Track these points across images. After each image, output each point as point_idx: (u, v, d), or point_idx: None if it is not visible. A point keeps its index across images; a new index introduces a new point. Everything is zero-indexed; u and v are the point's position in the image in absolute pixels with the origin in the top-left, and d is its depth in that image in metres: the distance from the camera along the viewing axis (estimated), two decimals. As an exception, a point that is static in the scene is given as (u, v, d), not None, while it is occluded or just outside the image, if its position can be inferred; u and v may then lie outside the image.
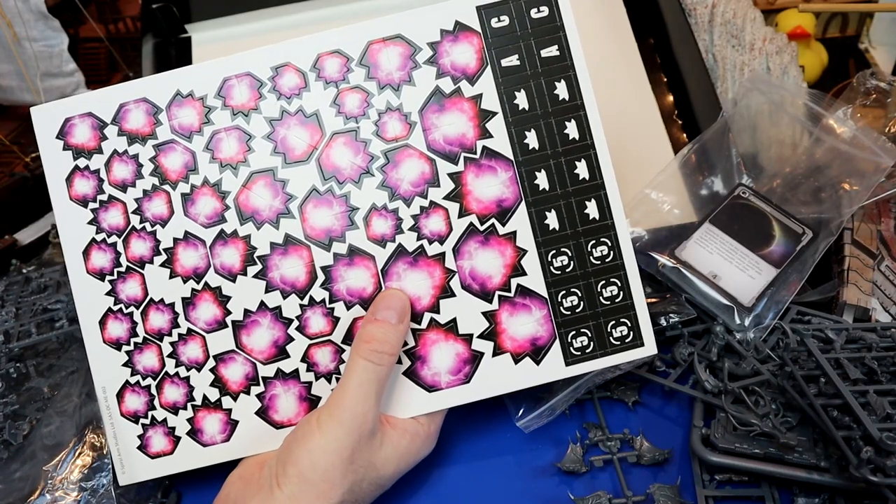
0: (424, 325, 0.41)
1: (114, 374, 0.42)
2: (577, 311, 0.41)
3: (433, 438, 0.41)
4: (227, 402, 0.42)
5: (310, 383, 0.41)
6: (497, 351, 0.41)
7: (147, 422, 0.42)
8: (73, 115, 0.42)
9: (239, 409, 0.42)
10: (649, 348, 0.41)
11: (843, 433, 0.35)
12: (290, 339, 0.41)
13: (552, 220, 0.41)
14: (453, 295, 0.41)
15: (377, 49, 0.41)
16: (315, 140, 0.41)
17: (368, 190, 0.41)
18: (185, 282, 0.42)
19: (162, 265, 0.42)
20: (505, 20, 0.41)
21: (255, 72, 0.41)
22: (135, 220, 0.42)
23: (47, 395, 0.48)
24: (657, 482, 0.40)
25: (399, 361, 0.41)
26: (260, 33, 0.63)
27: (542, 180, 0.41)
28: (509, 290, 0.41)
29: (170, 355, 0.42)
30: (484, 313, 0.41)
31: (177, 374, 0.42)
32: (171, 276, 0.42)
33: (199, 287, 0.42)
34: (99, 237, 0.42)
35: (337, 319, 0.41)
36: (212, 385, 0.42)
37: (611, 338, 0.41)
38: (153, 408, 0.42)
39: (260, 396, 0.41)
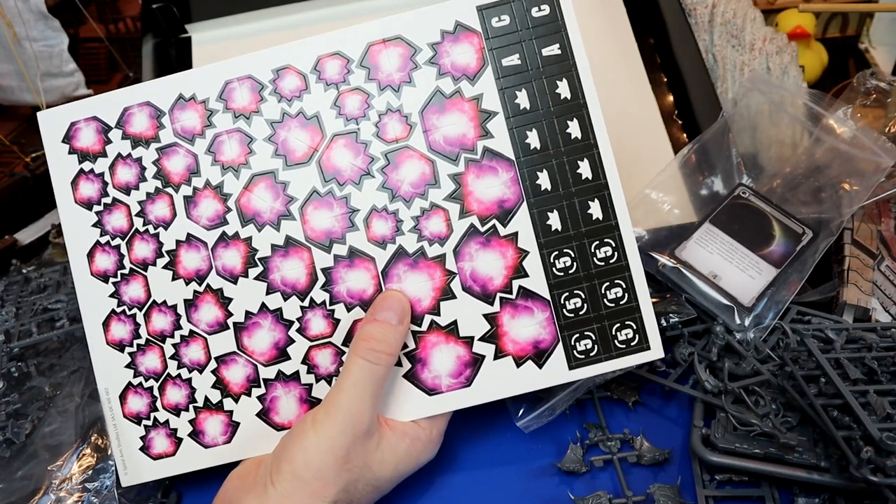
0: (425, 327, 0.41)
1: (117, 375, 0.43)
2: (581, 313, 0.40)
3: (435, 443, 0.41)
4: (228, 403, 0.42)
5: (310, 385, 0.41)
6: (499, 354, 0.40)
7: (149, 423, 0.42)
8: (79, 119, 0.43)
9: (240, 411, 0.42)
10: (655, 352, 0.40)
11: (843, 433, 0.35)
12: (291, 341, 0.41)
13: (554, 220, 0.40)
14: (454, 297, 0.40)
15: (377, 50, 0.41)
16: (316, 142, 0.41)
17: (369, 191, 0.41)
18: (187, 283, 0.42)
19: (164, 267, 0.42)
20: (506, 19, 0.40)
21: (256, 74, 0.41)
22: (138, 223, 0.42)
23: (49, 394, 0.48)
24: (657, 482, 0.40)
25: (399, 364, 0.40)
26: (260, 33, 0.63)
27: (543, 180, 0.40)
28: (511, 292, 0.40)
29: (172, 357, 0.42)
30: (485, 315, 0.40)
31: (179, 375, 0.42)
32: (173, 278, 0.42)
33: (201, 289, 0.42)
34: (103, 239, 0.43)
35: (337, 321, 0.41)
36: (213, 387, 0.42)
37: (615, 341, 0.40)
38: (155, 409, 0.42)
39: (261, 398, 0.41)
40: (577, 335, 0.40)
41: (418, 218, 0.41)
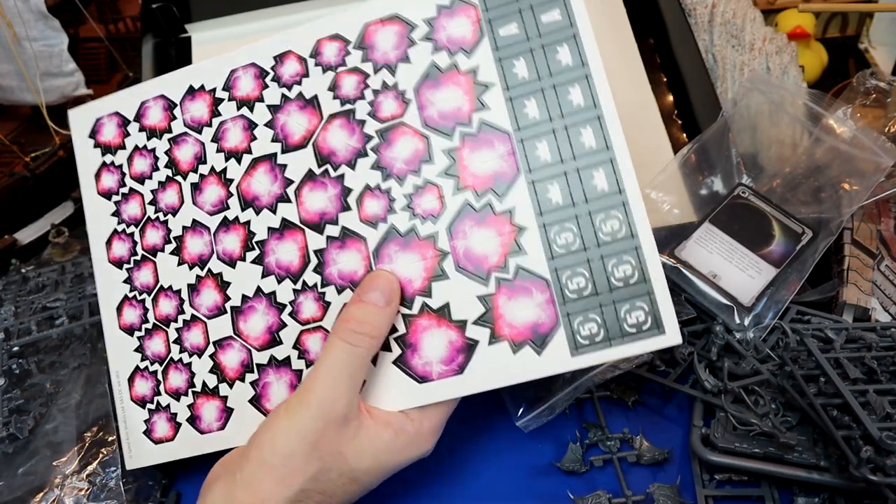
0: (416, 310, 0.38)
1: (127, 359, 0.44)
2: (585, 293, 0.36)
3: (427, 438, 0.38)
4: (223, 389, 0.42)
5: (300, 371, 0.40)
6: (493, 339, 0.37)
7: (153, 407, 0.43)
8: (103, 114, 0.45)
9: (234, 397, 0.41)
10: (672, 337, 0.35)
11: (843, 433, 0.35)
12: (283, 325, 0.41)
13: (555, 193, 0.37)
14: (447, 277, 0.38)
15: (374, 30, 0.40)
16: (313, 125, 0.41)
17: (362, 171, 0.40)
18: (191, 268, 0.43)
19: (171, 253, 0.43)
20: None
21: (259, 61, 0.42)
22: (150, 211, 0.44)
23: (50, 391, 0.48)
24: (657, 482, 0.40)
25: (389, 349, 0.38)
26: (260, 33, 0.62)
27: (543, 151, 0.37)
28: (507, 272, 0.37)
29: (175, 341, 0.43)
30: (479, 297, 0.37)
31: (180, 359, 0.43)
32: (178, 264, 0.43)
33: (203, 273, 0.42)
34: (120, 228, 0.45)
35: (328, 304, 0.40)
36: (210, 371, 0.42)
37: (625, 324, 0.36)
38: (159, 393, 0.43)
39: (254, 384, 0.41)
40: (581, 318, 0.36)
41: (411, 195, 0.39)
